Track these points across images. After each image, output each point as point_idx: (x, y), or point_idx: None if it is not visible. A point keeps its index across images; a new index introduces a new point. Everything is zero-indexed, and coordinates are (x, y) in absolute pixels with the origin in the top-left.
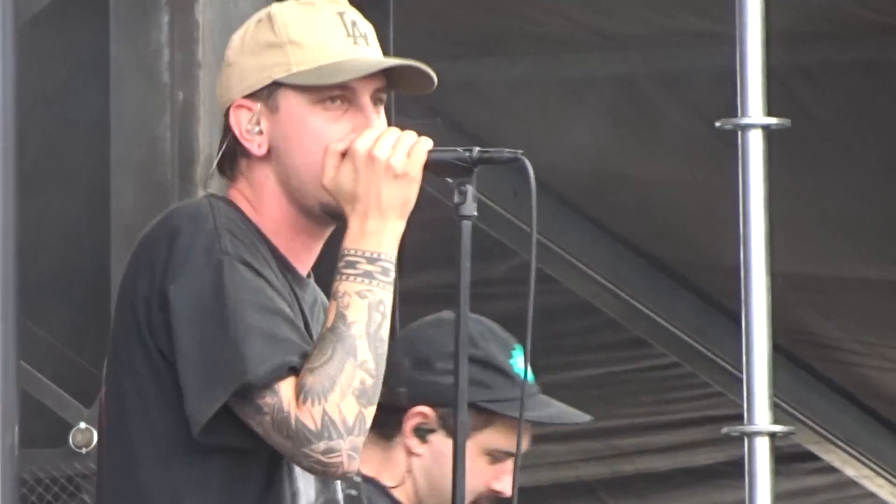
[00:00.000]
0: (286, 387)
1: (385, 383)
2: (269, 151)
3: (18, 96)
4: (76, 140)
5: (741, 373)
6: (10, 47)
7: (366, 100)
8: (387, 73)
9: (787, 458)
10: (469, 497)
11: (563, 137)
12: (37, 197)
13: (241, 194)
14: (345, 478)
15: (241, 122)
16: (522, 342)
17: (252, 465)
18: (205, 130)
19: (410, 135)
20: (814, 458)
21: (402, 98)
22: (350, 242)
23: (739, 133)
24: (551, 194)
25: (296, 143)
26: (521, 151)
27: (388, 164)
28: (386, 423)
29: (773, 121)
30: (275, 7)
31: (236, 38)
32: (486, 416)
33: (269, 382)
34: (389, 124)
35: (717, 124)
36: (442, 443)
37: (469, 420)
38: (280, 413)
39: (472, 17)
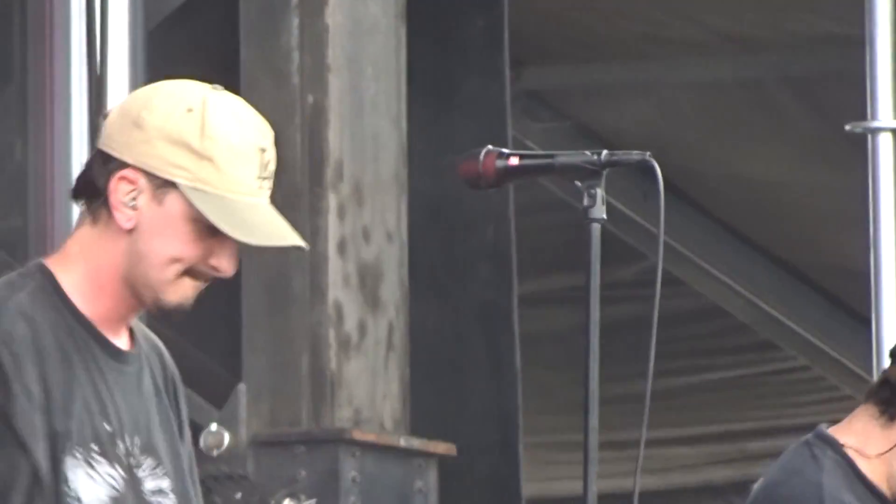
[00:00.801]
0: None
1: None
2: (135, 227)
3: None
4: None
5: (871, 376)
6: (141, 50)
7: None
8: None
9: None
10: None
11: (691, 140)
12: None
13: (77, 260)
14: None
15: (120, 192)
16: (649, 345)
17: None
18: (335, 133)
19: None
20: None
21: (531, 103)
22: None
23: (869, 136)
24: (680, 197)
25: (160, 241)
26: (649, 154)
27: None
28: (891, 404)
29: None
30: (210, 107)
31: (159, 108)
32: None
33: None
34: (514, 129)
35: (847, 128)
36: None
37: None
38: None
39: (602, 21)
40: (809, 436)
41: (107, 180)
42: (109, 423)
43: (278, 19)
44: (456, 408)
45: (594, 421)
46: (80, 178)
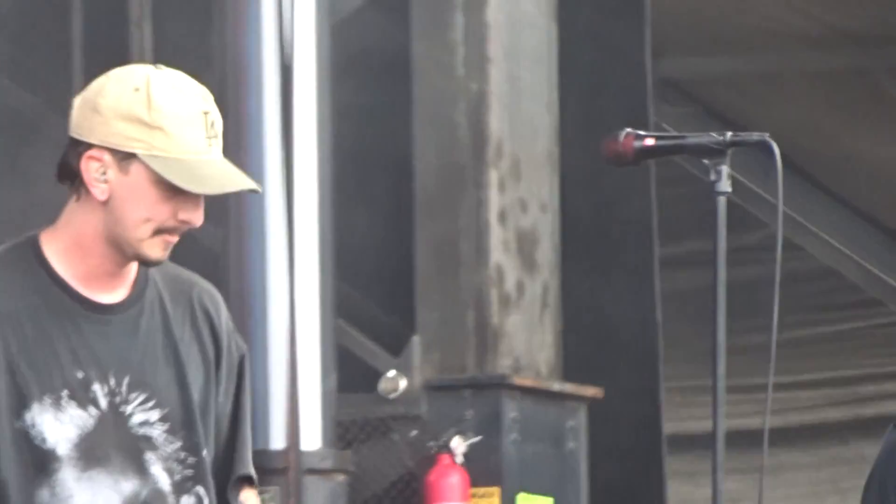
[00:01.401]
0: None
1: None
2: (109, 199)
3: (335, 86)
4: (384, 126)
5: None
6: (326, 42)
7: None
8: None
9: None
10: None
11: (808, 122)
12: (351, 174)
13: (64, 229)
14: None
15: (91, 170)
16: (771, 302)
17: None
18: (495, 117)
19: None
20: None
21: (665, 87)
22: None
23: None
24: (797, 172)
25: (131, 206)
26: (767, 135)
27: None
28: None
29: None
30: (153, 83)
31: (111, 92)
32: None
33: None
34: (653, 113)
35: None
36: None
37: None
38: None
39: (727, 17)
40: None
41: (78, 162)
42: (83, 369)
43: (445, 17)
44: (605, 357)
45: (721, 368)
46: (59, 165)
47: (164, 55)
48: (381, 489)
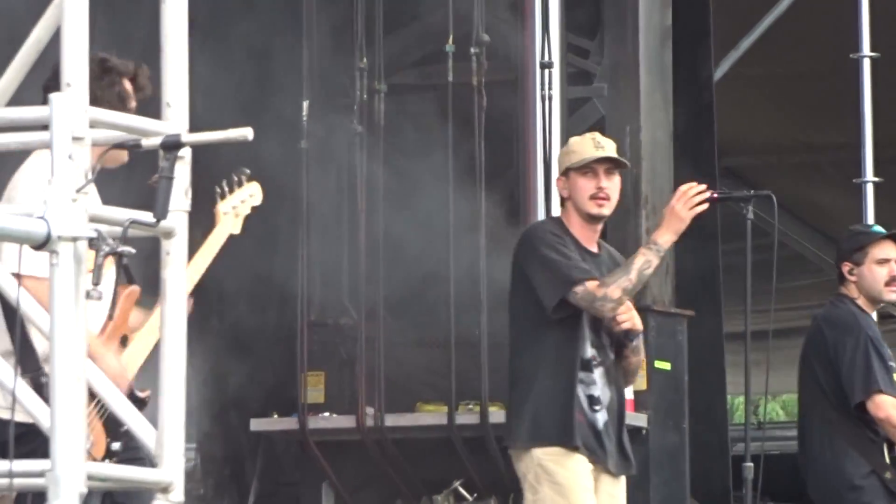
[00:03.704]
0: (584, 284)
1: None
2: (569, 195)
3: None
4: None
5: None
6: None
7: (601, 171)
8: (612, 159)
9: None
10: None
11: (799, 190)
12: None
13: (565, 214)
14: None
15: (560, 185)
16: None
17: (563, 327)
18: (644, 184)
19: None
20: None
21: (725, 170)
22: (654, 236)
23: None
24: (789, 212)
25: (575, 191)
26: (771, 192)
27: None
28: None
29: None
30: (570, 140)
31: (560, 154)
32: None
33: (578, 282)
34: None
35: None
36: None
37: None
38: (586, 292)
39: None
40: None
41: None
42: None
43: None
44: (694, 295)
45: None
46: (561, 197)
47: None
48: None
